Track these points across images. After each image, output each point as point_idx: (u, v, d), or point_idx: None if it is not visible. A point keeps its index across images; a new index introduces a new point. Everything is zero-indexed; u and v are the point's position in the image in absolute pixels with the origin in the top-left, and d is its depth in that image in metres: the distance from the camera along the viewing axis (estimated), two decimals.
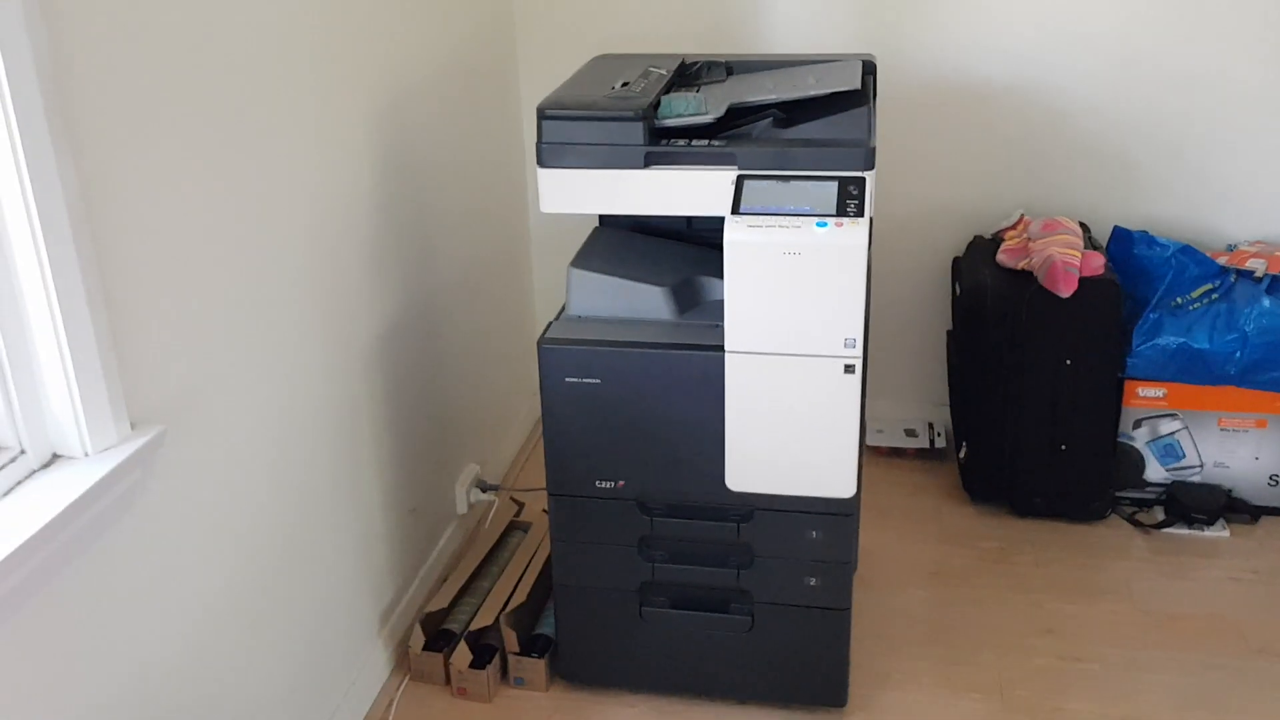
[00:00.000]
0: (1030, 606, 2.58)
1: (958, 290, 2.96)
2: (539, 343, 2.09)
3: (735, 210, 1.93)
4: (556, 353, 2.08)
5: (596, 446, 2.13)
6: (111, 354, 1.48)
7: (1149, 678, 2.35)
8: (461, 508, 2.82)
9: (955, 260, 3.02)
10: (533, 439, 3.28)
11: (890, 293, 3.11)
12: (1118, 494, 2.91)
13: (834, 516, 2.10)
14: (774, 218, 1.91)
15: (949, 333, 3.10)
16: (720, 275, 1.98)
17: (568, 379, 2.09)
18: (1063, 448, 2.79)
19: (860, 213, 1.89)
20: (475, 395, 2.93)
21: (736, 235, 1.92)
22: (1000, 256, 2.81)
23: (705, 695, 2.31)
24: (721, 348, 2.01)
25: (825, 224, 1.89)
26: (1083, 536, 2.83)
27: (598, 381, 2.08)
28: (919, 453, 3.20)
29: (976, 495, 2.97)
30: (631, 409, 2.08)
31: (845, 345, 1.95)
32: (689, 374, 2.04)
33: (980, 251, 2.92)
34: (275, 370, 1.95)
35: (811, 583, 2.16)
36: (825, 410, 2.01)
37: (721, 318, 2.00)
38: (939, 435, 3.23)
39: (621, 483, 2.15)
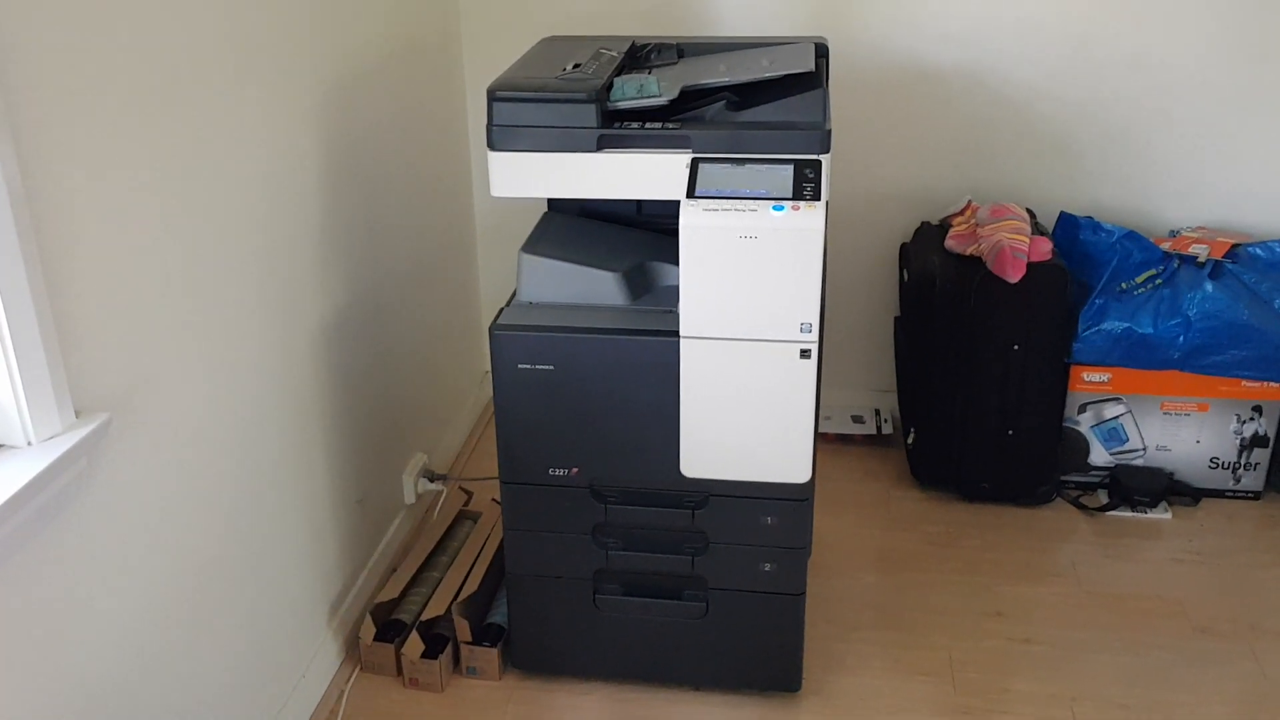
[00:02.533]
0: (979, 589, 2.60)
1: (905, 276, 2.98)
2: (491, 329, 2.06)
3: (690, 194, 1.92)
4: (509, 339, 2.05)
5: (549, 433, 2.10)
6: (55, 341, 1.43)
7: (1096, 658, 2.38)
8: (409, 498, 2.78)
9: (903, 246, 3.04)
10: (480, 427, 3.24)
11: (837, 279, 3.11)
12: (1063, 478, 2.94)
13: (789, 502, 2.10)
14: (729, 201, 1.90)
15: (896, 319, 3.12)
16: (673, 260, 1.96)
17: (520, 365, 2.06)
18: (1010, 432, 2.81)
19: (817, 196, 1.88)
20: (422, 384, 2.89)
21: (692, 219, 1.90)
22: (948, 242, 2.82)
23: (660, 682, 2.30)
24: (676, 333, 1.99)
25: (782, 207, 1.88)
26: (1029, 520, 2.86)
27: (550, 368, 2.05)
28: (867, 439, 3.21)
29: (924, 481, 2.98)
30: (585, 395, 2.06)
31: (801, 330, 1.95)
32: (643, 360, 2.03)
33: (928, 237, 2.93)
34: (222, 359, 1.90)
35: (766, 568, 2.16)
36: (781, 396, 2.00)
37: (675, 303, 1.99)
38: (886, 422, 3.25)
39: (575, 470, 2.13)
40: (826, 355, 3.10)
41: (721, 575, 2.18)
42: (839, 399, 3.28)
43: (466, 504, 2.76)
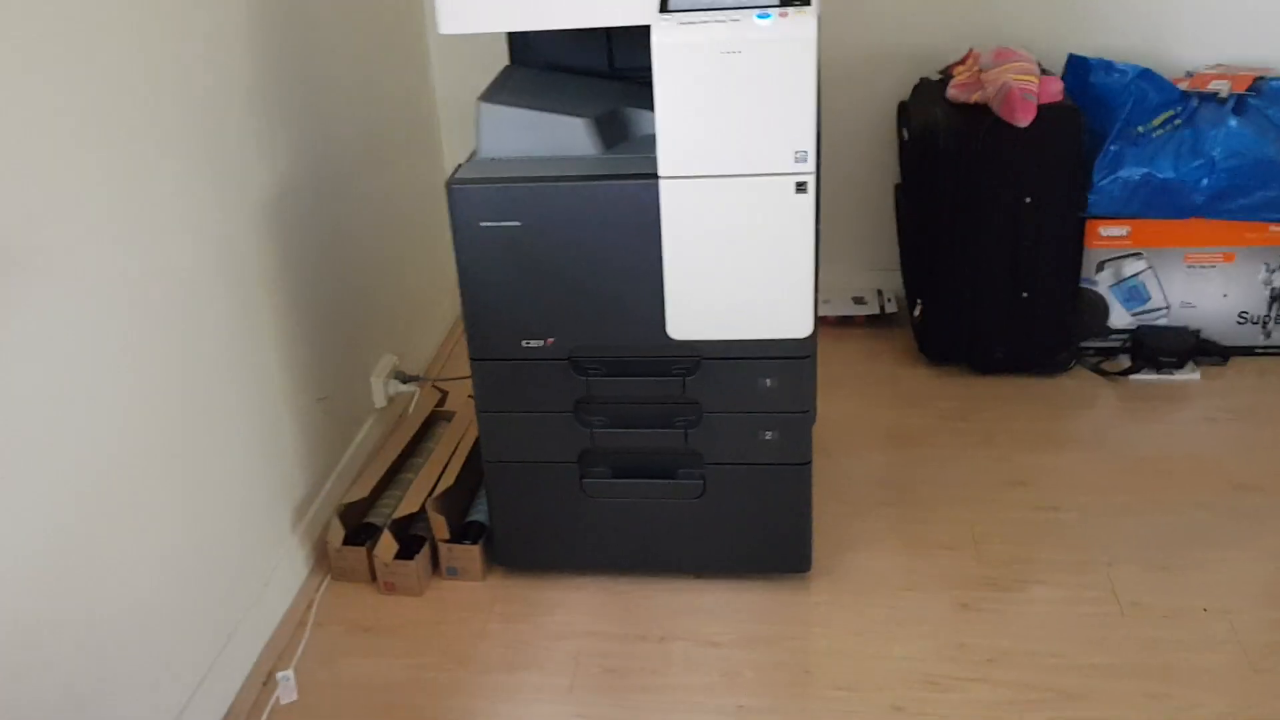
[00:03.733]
0: (997, 461, 2.41)
1: (905, 135, 2.76)
2: (448, 184, 1.84)
3: (663, 8, 1.69)
4: (468, 193, 1.83)
5: (520, 300, 1.89)
6: None
7: (1129, 521, 2.20)
8: (379, 400, 2.57)
9: (901, 105, 2.81)
10: (457, 330, 3.03)
11: (831, 149, 2.89)
12: (1081, 344, 2.74)
13: (789, 360, 1.89)
14: (708, 13, 1.67)
15: (897, 186, 2.90)
16: (650, 107, 1.74)
17: (483, 223, 1.84)
18: (1024, 295, 2.61)
19: (807, 0, 1.65)
20: (388, 277, 2.67)
21: (666, 37, 1.68)
22: (951, 92, 2.59)
23: (658, 570, 2.11)
24: (655, 175, 1.77)
25: (768, 15, 1.65)
26: (1047, 390, 2.67)
27: (517, 224, 1.84)
28: (870, 320, 3.01)
29: (934, 356, 2.78)
30: (557, 254, 1.85)
31: (796, 159, 1.73)
32: (619, 209, 1.81)
33: (928, 92, 2.70)
34: (140, 211, 1.68)
35: (767, 437, 1.96)
36: (775, 239, 1.79)
37: (653, 151, 1.77)
38: (889, 301, 3.04)
39: (550, 340, 1.92)
40: (822, 234, 2.90)
41: (718, 448, 1.98)
42: (838, 280, 3.06)
43: (440, 403, 2.56)
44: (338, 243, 2.38)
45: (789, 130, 1.71)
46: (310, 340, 2.23)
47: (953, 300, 2.67)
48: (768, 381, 1.91)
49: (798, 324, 1.86)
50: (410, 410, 2.61)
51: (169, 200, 1.75)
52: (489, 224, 1.84)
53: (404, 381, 2.63)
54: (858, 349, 2.90)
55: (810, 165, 1.74)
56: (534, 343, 1.93)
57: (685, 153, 1.75)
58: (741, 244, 1.80)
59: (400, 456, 2.35)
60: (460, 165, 1.90)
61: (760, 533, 2.03)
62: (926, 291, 2.73)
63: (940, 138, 2.53)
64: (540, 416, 1.99)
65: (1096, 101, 2.58)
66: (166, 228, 1.74)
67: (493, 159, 1.92)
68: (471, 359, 1.97)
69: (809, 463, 1.98)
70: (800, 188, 1.75)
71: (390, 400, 2.61)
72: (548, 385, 1.96)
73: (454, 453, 2.28)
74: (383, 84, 2.69)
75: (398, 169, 2.75)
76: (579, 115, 1.89)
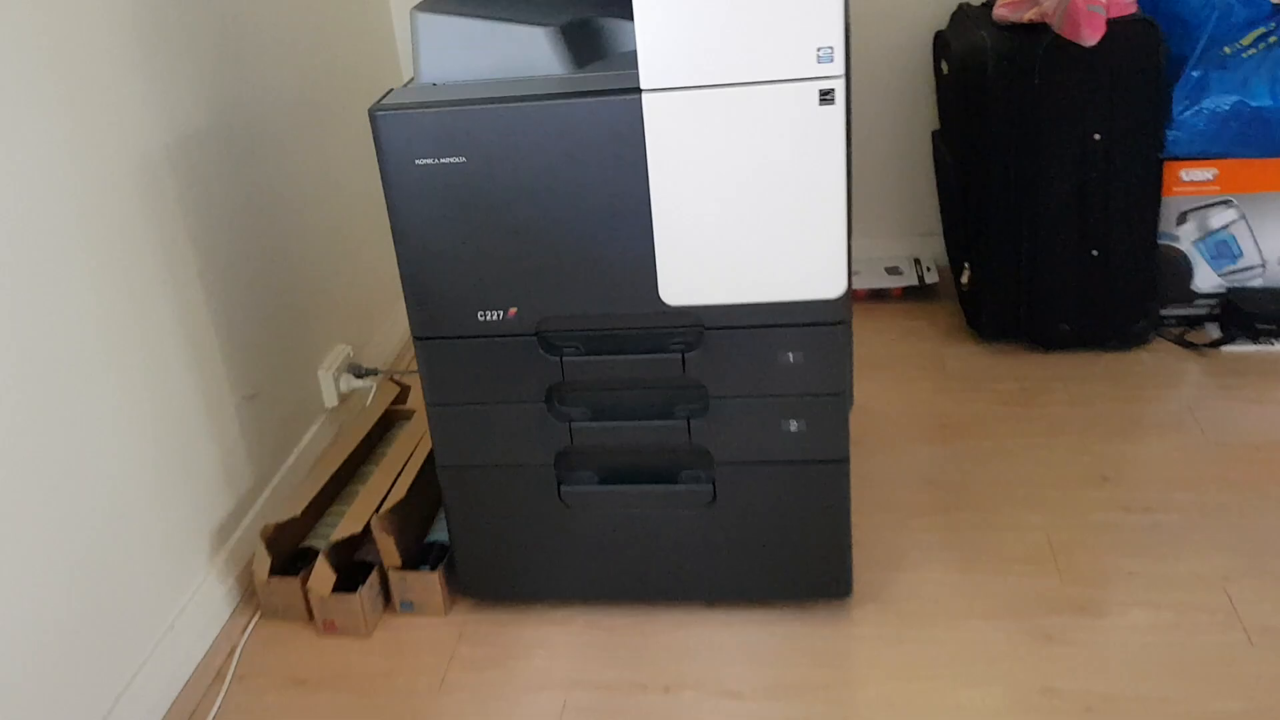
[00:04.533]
0: (1072, 453, 1.99)
1: (944, 70, 2.34)
2: (371, 111, 1.43)
3: None
4: (397, 122, 1.42)
5: (471, 260, 1.49)
6: None
7: (1242, 522, 1.77)
8: (329, 399, 2.17)
9: (937, 35, 2.39)
10: None
11: (858, 99, 2.47)
12: (1162, 311, 2.31)
13: (818, 328, 1.48)
14: None
15: (935, 133, 2.48)
16: (630, 16, 1.33)
17: (419, 160, 1.44)
18: (1093, 254, 2.18)
19: None
20: (341, 257, 2.26)
21: None
22: (998, 11, 2.17)
23: (659, 599, 1.70)
24: (636, 89, 1.36)
25: None
26: (1124, 366, 2.24)
27: (462, 160, 1.43)
28: (907, 292, 2.59)
29: (986, 331, 2.36)
30: (515, 200, 1.44)
31: (819, 58, 1.32)
32: (593, 137, 1.40)
33: (969, 17, 2.29)
34: None
35: (793, 427, 1.54)
36: (795, 168, 1.38)
37: (635, 68, 1.36)
38: (929, 270, 2.62)
39: (513, 310, 1.51)
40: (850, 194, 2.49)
41: (731, 444, 1.56)
42: (868, 249, 2.65)
43: (400, 400, 2.15)
44: (269, 210, 1.97)
45: (809, 19, 1.29)
46: (233, 327, 1.83)
47: (1007, 264, 2.24)
48: (790, 356, 1.50)
49: (827, 280, 1.44)
50: (368, 402, 2.21)
51: (19, 147, 1.35)
52: (426, 161, 1.44)
53: (359, 376, 2.23)
54: (895, 326, 2.48)
55: (838, 67, 1.32)
56: (491, 315, 1.52)
57: (675, 56, 1.34)
58: (750, 178, 1.39)
59: (347, 464, 1.94)
60: (390, 91, 1.50)
61: (787, 549, 1.61)
62: (975, 255, 2.31)
63: (988, 67, 2.11)
64: (504, 409, 1.58)
65: (1173, 18, 2.15)
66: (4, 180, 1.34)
67: (434, 84, 1.51)
68: (415, 338, 1.56)
69: (845, 459, 1.56)
70: (825, 97, 1.34)
71: (343, 398, 2.20)
72: (512, 369, 1.55)
73: (409, 458, 1.87)
74: (328, 23, 2.28)
75: (350, 123, 2.34)
76: (540, 24, 1.48)
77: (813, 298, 1.45)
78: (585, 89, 1.40)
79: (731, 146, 1.37)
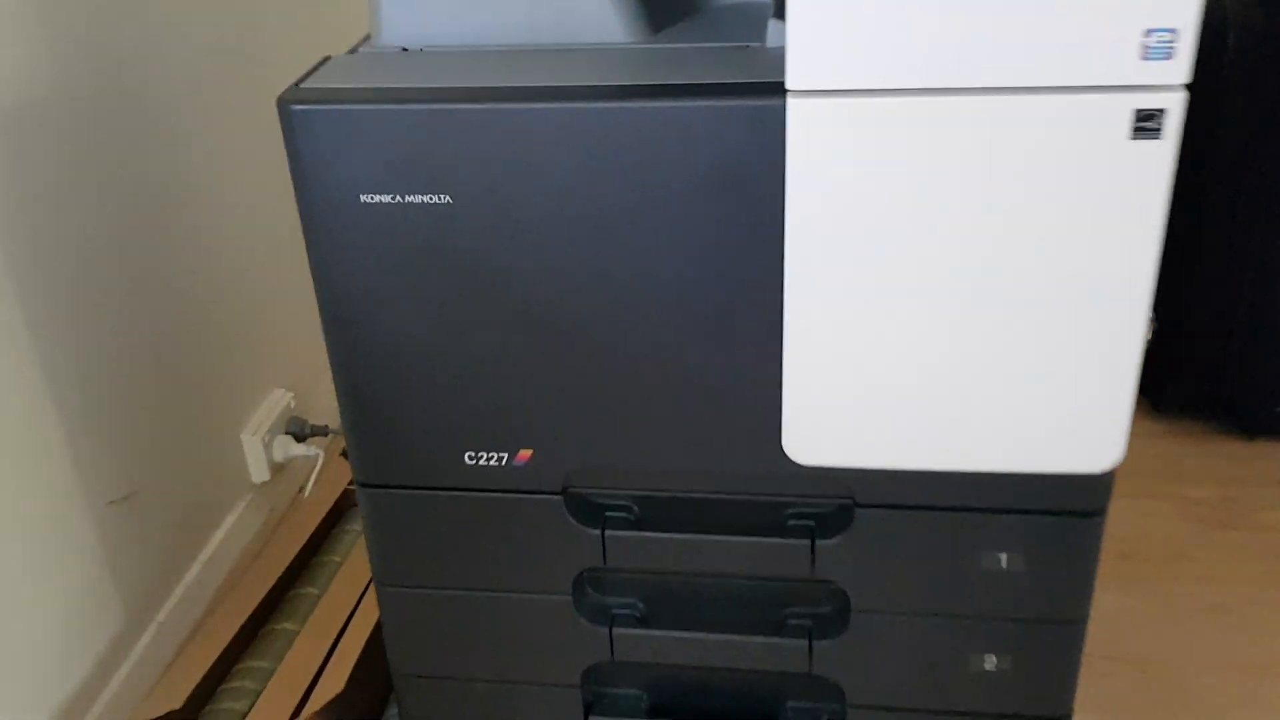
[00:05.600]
0: None
1: None
2: (283, 101, 0.79)
3: None
4: (329, 124, 0.78)
5: (458, 369, 0.85)
6: None
7: None
8: (258, 472, 1.53)
9: None
10: None
11: None
12: None
13: (1063, 518, 0.85)
14: None
15: None
16: None
17: (366, 197, 0.79)
18: None
19: None
20: (273, 268, 1.61)
21: None
22: None
23: None
24: (776, 89, 0.72)
25: None
26: None
27: (446, 200, 0.79)
28: None
29: (1168, 404, 1.72)
30: (538, 272, 0.80)
31: (1146, 53, 0.67)
32: (685, 169, 0.76)
33: None
34: None
35: (989, 665, 0.91)
36: (1070, 251, 0.74)
37: (747, 37, 0.73)
38: None
39: (526, 453, 0.88)
40: None
41: (880, 681, 0.93)
42: None
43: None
44: (158, 207, 1.32)
45: None
46: (95, 386, 1.19)
47: (1214, 317, 1.61)
48: (1003, 559, 0.86)
49: (1096, 443, 0.80)
50: (307, 491, 1.57)
51: None
52: (380, 199, 0.79)
53: (301, 439, 1.59)
54: None
55: (1177, 69, 0.68)
56: (489, 458, 0.88)
57: (854, 38, 0.69)
58: (978, 260, 0.75)
59: (271, 595, 1.31)
60: (323, 62, 0.85)
61: None
62: (1166, 300, 1.66)
63: (1230, 37, 1.45)
64: (505, 602, 0.95)
65: None
66: None
67: (404, 50, 0.87)
68: (358, 485, 0.93)
69: (1068, 717, 0.93)
70: (1146, 125, 0.69)
71: (278, 469, 1.57)
72: (521, 543, 0.92)
73: (355, 608, 1.25)
74: None
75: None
76: None
77: (1065, 470, 0.81)
78: (675, 84, 0.76)
79: (946, 201, 0.73)
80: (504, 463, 0.88)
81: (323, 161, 0.78)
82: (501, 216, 0.78)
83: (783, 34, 0.73)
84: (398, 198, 0.79)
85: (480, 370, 0.84)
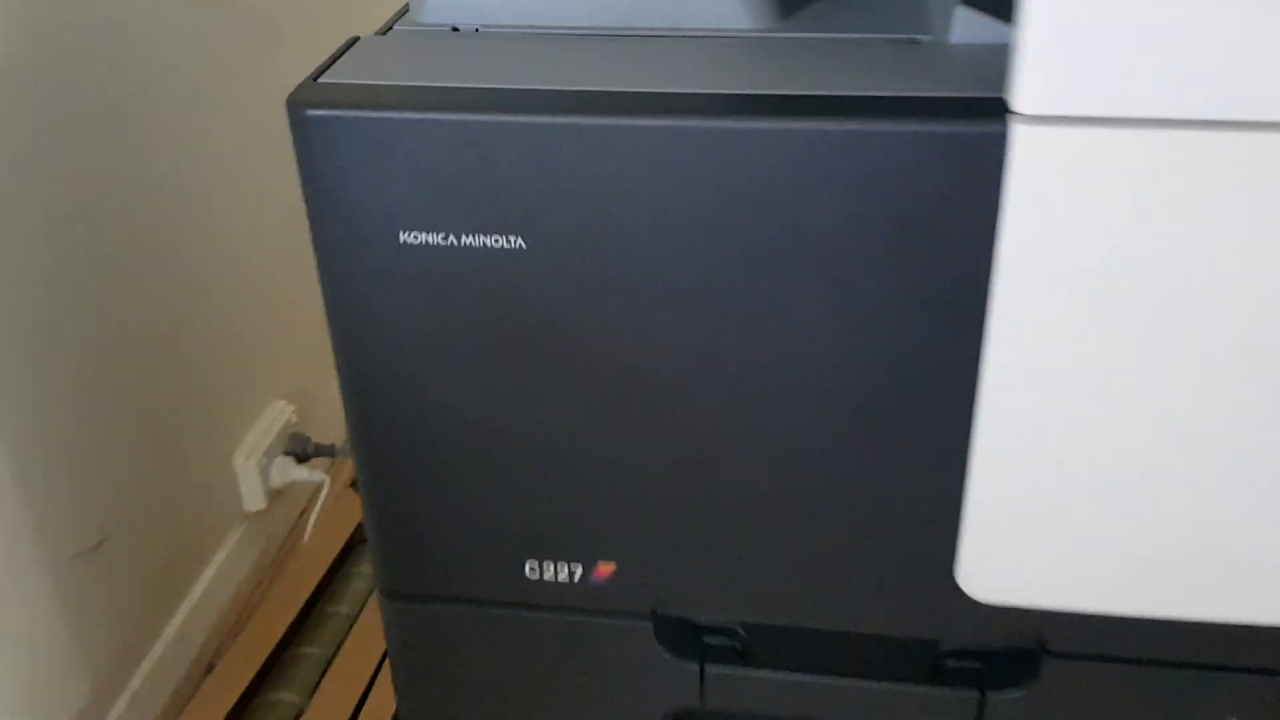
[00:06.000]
0: None
1: None
2: (292, 102, 0.56)
3: None
4: (357, 136, 0.56)
5: (520, 460, 0.63)
6: None
7: None
8: (253, 500, 1.32)
9: None
10: None
11: None
12: None
13: None
14: None
15: None
16: None
17: (406, 235, 0.57)
18: None
19: None
20: (271, 260, 1.39)
21: None
22: None
23: None
24: (994, 108, 0.49)
25: None
26: None
27: (517, 245, 0.57)
28: None
29: None
30: (633, 341, 0.59)
31: None
32: (845, 219, 0.54)
33: None
34: None
35: None
36: None
37: (908, 26, 0.52)
38: None
39: (606, 568, 0.67)
40: None
41: None
42: None
43: None
44: (136, 195, 1.10)
45: None
46: (57, 414, 0.98)
47: None
48: None
49: None
50: (309, 532, 1.36)
51: None
52: (424, 238, 0.57)
53: (303, 459, 1.38)
54: None
55: None
56: (557, 571, 0.67)
57: (1111, 50, 0.47)
58: (1260, 347, 0.53)
59: (270, 662, 1.11)
60: (350, 44, 0.63)
61: None
62: None
63: None
64: None
65: None
66: None
67: (453, 29, 0.65)
68: (381, 594, 0.72)
69: None
70: None
71: (275, 496, 1.36)
72: (597, 676, 0.71)
73: (372, 682, 1.04)
74: None
75: (300, 56, 1.43)
76: None
77: None
78: (839, 96, 0.54)
79: (1226, 272, 0.52)
80: (576, 577, 0.67)
81: (349, 186, 0.57)
82: (591, 267, 0.57)
83: (980, 28, 0.52)
84: (451, 239, 0.57)
85: (551, 461, 0.63)
